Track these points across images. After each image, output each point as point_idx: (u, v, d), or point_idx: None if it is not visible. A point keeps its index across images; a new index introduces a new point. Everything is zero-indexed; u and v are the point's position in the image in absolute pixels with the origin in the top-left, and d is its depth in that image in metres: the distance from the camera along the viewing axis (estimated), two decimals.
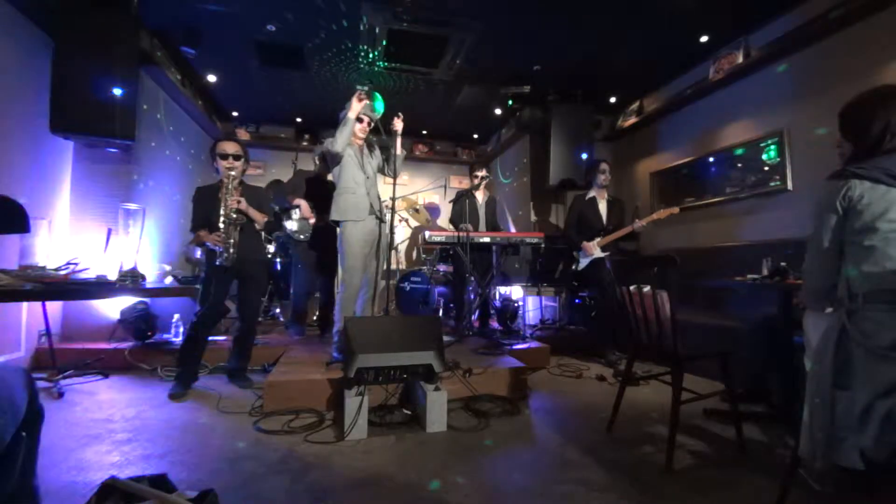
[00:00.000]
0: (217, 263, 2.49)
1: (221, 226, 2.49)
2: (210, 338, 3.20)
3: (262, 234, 2.87)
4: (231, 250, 2.49)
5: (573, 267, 3.65)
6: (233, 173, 2.58)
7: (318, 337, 3.64)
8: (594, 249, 3.49)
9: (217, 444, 1.89)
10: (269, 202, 2.87)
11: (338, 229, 2.77)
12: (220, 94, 4.81)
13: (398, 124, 2.93)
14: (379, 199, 2.92)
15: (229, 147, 2.62)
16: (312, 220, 3.79)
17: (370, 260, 2.84)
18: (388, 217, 2.97)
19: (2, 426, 0.88)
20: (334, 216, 2.75)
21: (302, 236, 3.82)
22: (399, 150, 2.98)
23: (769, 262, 2.37)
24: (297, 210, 3.78)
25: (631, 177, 4.88)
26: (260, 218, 2.67)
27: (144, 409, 2.31)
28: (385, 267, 2.97)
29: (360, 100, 2.73)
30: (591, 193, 3.69)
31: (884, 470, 1.10)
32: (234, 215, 2.53)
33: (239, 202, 2.53)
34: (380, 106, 4.45)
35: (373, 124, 2.94)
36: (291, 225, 3.84)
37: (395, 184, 3.03)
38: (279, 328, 4.01)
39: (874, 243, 1.15)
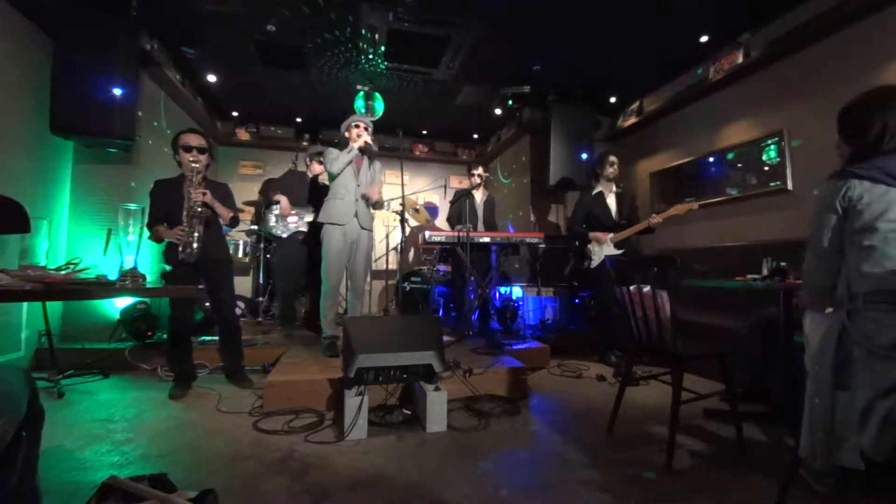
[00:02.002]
0: (179, 259, 2.38)
1: (185, 219, 2.38)
2: (210, 338, 3.22)
3: (233, 232, 2.87)
4: (195, 245, 2.38)
5: (585, 264, 3.54)
6: (196, 166, 2.44)
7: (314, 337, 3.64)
8: (605, 242, 3.41)
9: (217, 444, 1.89)
10: (232, 198, 2.80)
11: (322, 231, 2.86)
12: (220, 94, 4.81)
13: (374, 194, 2.90)
14: (368, 209, 2.94)
15: (193, 139, 2.50)
16: (294, 218, 3.78)
17: (355, 264, 2.88)
18: (375, 227, 3.00)
19: (2, 425, 0.88)
20: (320, 219, 2.84)
21: (279, 232, 3.81)
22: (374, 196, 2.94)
23: (769, 262, 2.37)
24: (278, 205, 3.78)
25: (631, 177, 4.88)
26: (226, 213, 2.59)
27: (144, 409, 2.31)
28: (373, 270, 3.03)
29: (368, 141, 2.84)
30: (598, 188, 3.59)
31: (884, 470, 1.10)
32: (199, 209, 2.40)
33: (205, 194, 2.43)
34: (380, 106, 4.47)
35: (370, 128, 2.95)
36: (270, 220, 3.84)
37: (402, 184, 3.09)
38: (279, 328, 4.00)
39: (874, 243, 1.15)
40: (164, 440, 1.93)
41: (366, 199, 2.87)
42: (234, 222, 2.69)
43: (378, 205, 2.96)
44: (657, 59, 3.89)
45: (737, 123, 3.64)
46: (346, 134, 2.93)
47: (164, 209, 2.45)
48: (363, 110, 4.36)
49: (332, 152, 2.85)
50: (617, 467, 1.72)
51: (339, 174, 2.82)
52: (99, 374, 2.89)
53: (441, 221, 6.19)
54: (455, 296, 4.23)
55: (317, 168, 3.90)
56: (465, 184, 6.23)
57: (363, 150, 2.86)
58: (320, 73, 4.18)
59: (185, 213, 2.38)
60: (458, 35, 3.51)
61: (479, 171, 4.00)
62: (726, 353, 1.91)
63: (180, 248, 2.38)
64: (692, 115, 4.10)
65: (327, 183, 3.23)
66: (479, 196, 4.03)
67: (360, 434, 1.98)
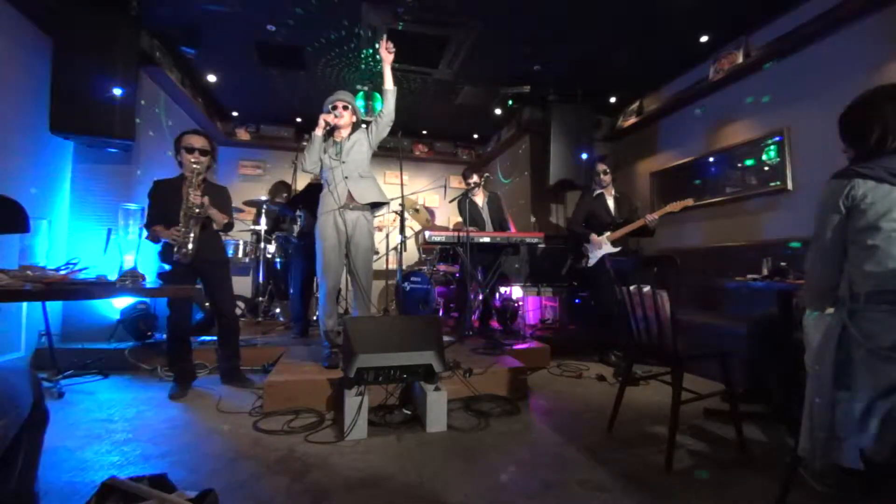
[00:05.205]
0: (175, 259, 2.36)
1: (181, 220, 2.36)
2: (210, 338, 3.21)
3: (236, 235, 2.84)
4: (190, 245, 2.36)
5: (583, 263, 3.59)
6: (197, 168, 2.44)
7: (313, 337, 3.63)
8: (604, 242, 3.46)
9: (217, 444, 1.89)
10: (230, 203, 2.74)
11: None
12: (220, 94, 4.81)
13: (385, 54, 2.65)
14: (361, 179, 2.62)
15: (196, 141, 2.51)
16: None
17: (355, 260, 2.60)
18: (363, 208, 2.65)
19: (2, 426, 0.88)
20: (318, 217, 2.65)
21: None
22: (388, 84, 2.71)
23: (769, 262, 2.37)
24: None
25: (631, 177, 4.88)
26: (220, 219, 2.56)
27: (144, 409, 2.31)
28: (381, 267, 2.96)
29: (325, 118, 2.60)
30: (599, 190, 3.67)
31: (884, 470, 1.10)
32: (197, 210, 2.39)
33: (203, 198, 2.40)
34: (380, 106, 4.45)
35: (348, 107, 2.70)
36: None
37: (402, 184, 2.99)
38: (279, 328, 4.01)
39: (877, 243, 1.15)
40: (164, 440, 1.93)
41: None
42: (227, 227, 2.67)
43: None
44: (657, 59, 3.90)
45: (737, 123, 3.64)
46: None
47: (163, 209, 2.44)
48: (363, 109, 4.35)
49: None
50: (617, 467, 1.72)
51: (313, 168, 2.60)
52: (99, 374, 2.89)
53: (442, 221, 6.19)
54: (458, 296, 4.23)
55: None
56: (463, 186, 6.22)
57: (328, 133, 2.60)
58: (321, 73, 4.18)
59: (182, 213, 2.37)
60: (458, 35, 3.51)
61: (474, 178, 3.90)
62: (726, 353, 1.91)
63: (175, 249, 2.36)
64: (692, 115, 4.09)
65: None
66: (480, 199, 4.00)
67: (360, 434, 1.98)
